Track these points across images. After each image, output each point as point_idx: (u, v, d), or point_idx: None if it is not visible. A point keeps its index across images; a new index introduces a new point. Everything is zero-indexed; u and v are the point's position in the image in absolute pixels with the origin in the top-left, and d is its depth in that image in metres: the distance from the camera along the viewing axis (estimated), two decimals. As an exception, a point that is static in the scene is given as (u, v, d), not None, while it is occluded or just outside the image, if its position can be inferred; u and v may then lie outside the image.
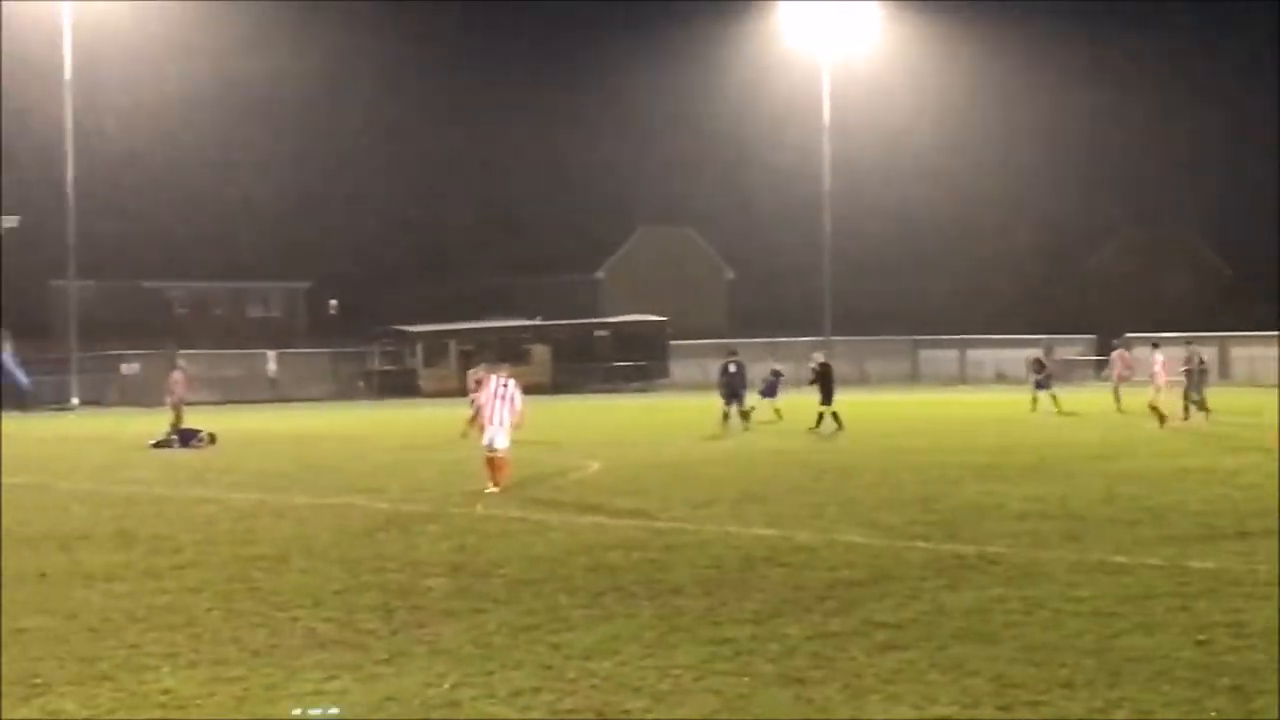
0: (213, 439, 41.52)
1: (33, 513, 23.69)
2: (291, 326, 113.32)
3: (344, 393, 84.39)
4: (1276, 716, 10.32)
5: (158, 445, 40.42)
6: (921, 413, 54.11)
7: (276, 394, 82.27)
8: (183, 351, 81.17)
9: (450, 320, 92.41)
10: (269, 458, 35.88)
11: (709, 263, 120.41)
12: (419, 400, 77.46)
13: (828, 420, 42.03)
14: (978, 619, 13.46)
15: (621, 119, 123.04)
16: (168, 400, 43.69)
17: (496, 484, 25.53)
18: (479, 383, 29.27)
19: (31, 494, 27.25)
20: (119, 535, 20.50)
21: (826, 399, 42.49)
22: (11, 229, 72.37)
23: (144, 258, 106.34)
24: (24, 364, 79.51)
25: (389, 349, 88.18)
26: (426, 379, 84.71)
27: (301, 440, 43.52)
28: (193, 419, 44.13)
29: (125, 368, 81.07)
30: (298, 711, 10.62)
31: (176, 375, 44.13)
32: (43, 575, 16.86)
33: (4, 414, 67.70)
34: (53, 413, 70.16)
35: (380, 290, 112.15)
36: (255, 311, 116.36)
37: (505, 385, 26.19)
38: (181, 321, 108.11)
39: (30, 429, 54.97)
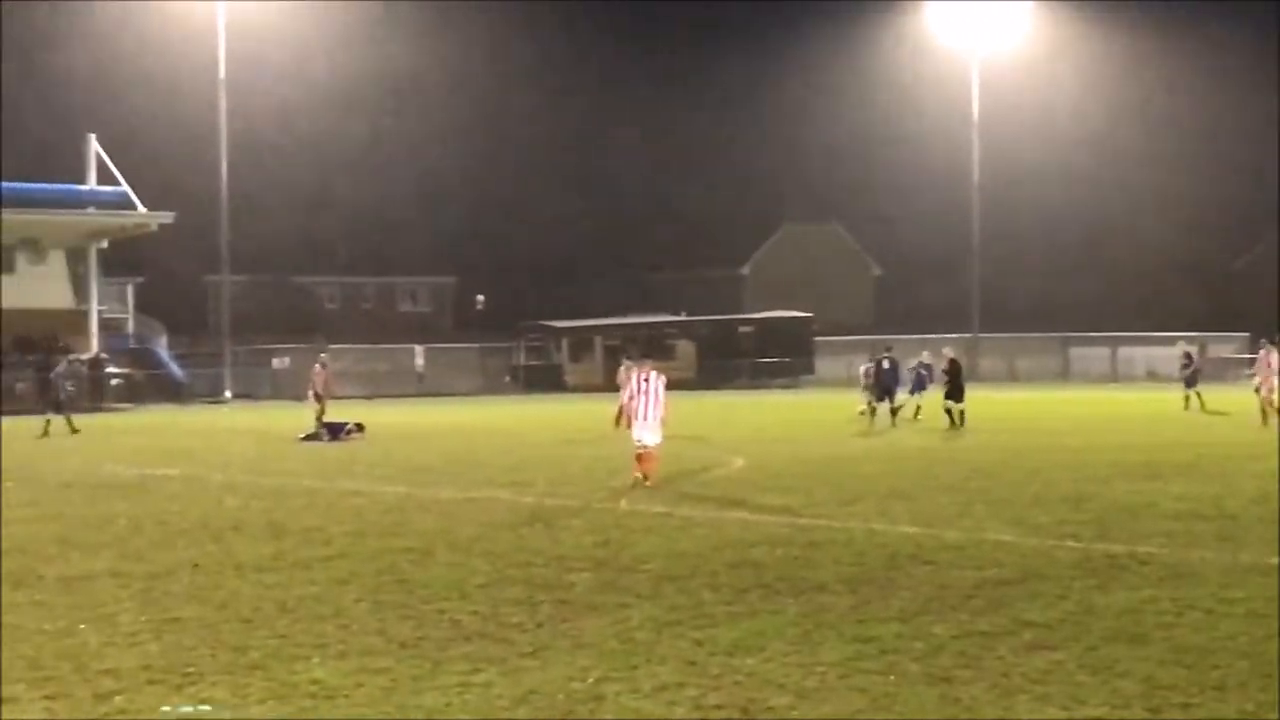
0: (360, 428, 41.98)
1: (186, 504, 24.12)
2: (439, 321, 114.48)
3: (490, 387, 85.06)
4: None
5: (307, 439, 40.95)
6: (1072, 410, 53.41)
7: (424, 388, 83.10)
8: (332, 346, 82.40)
9: (595, 316, 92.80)
10: (416, 451, 36.22)
11: (855, 259, 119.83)
12: (565, 395, 77.82)
13: (958, 416, 41.67)
14: (1128, 620, 13.27)
15: (768, 115, 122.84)
16: (309, 394, 44.26)
17: (646, 476, 25.61)
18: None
19: (185, 485, 27.75)
20: (270, 527, 20.81)
21: (957, 396, 42.12)
22: (166, 225, 73.69)
23: (295, 253, 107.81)
24: (178, 358, 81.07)
25: (535, 344, 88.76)
26: (572, 374, 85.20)
27: (448, 434, 43.88)
28: (342, 412, 44.63)
29: (276, 362, 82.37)
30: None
31: (317, 369, 44.68)
32: (195, 565, 17.15)
33: (159, 406, 68.96)
34: (206, 406, 71.35)
35: (526, 286, 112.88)
36: (404, 306, 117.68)
37: (646, 380, 26.24)
38: (331, 316, 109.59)
39: (184, 421, 55.95)
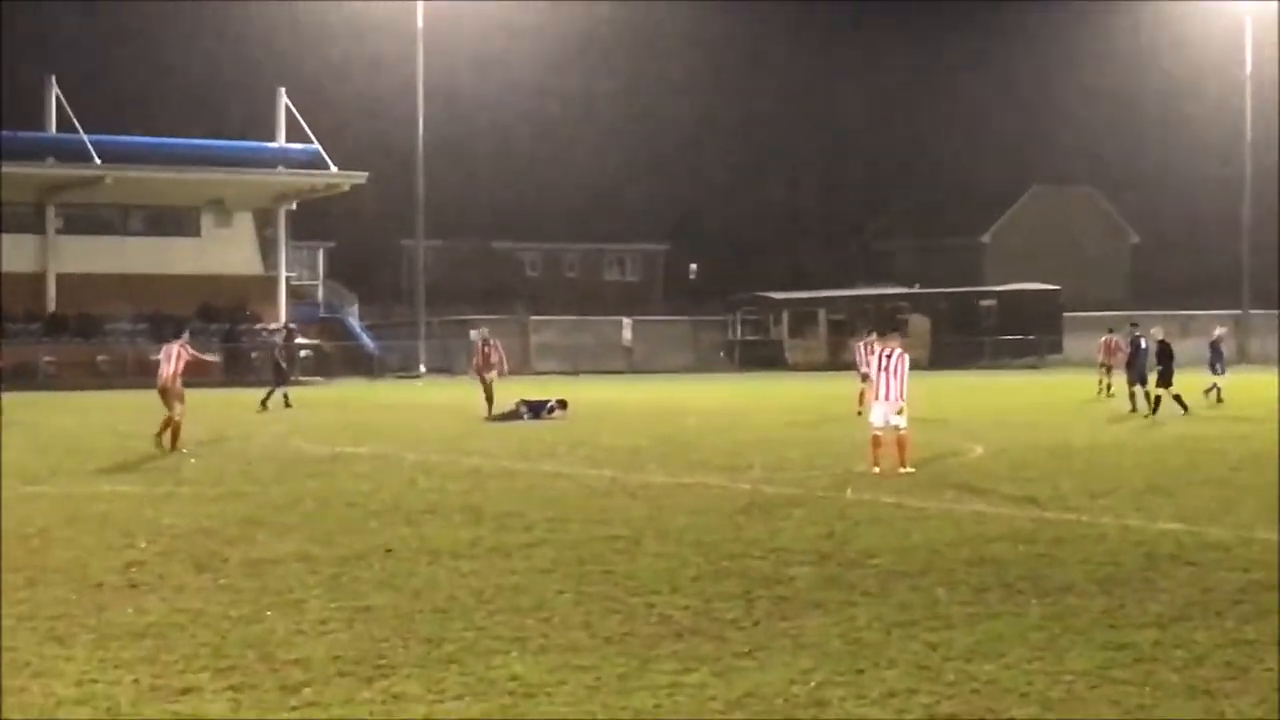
0: (563, 405, 42.22)
1: (378, 484, 24.56)
2: (648, 292, 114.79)
3: (703, 364, 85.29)
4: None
5: (504, 417, 41.29)
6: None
7: (632, 364, 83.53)
8: (534, 317, 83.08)
9: (819, 287, 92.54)
10: (623, 432, 36.45)
11: (1110, 225, 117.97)
12: (784, 373, 77.72)
13: (1165, 403, 40.98)
14: None
15: (1016, 68, 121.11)
16: (470, 371, 44.58)
17: (877, 463, 25.46)
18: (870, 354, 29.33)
19: (378, 465, 28.27)
20: (466, 510, 21.10)
21: (1166, 380, 41.47)
22: (359, 185, 75.03)
23: (495, 217, 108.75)
24: (370, 328, 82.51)
25: (752, 317, 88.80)
26: (793, 350, 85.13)
27: (658, 414, 44.09)
28: (545, 389, 45.01)
29: (475, 334, 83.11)
30: None
31: (478, 344, 45.02)
32: (388, 551, 17.44)
33: (349, 380, 70.23)
34: (399, 380, 72.47)
35: (744, 254, 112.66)
36: (610, 275, 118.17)
37: (888, 356, 26.09)
38: (533, 285, 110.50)
39: (376, 396, 56.96)
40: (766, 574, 15.81)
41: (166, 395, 31.83)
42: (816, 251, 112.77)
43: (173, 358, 31.92)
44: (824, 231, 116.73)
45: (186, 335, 33.49)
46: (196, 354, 32.96)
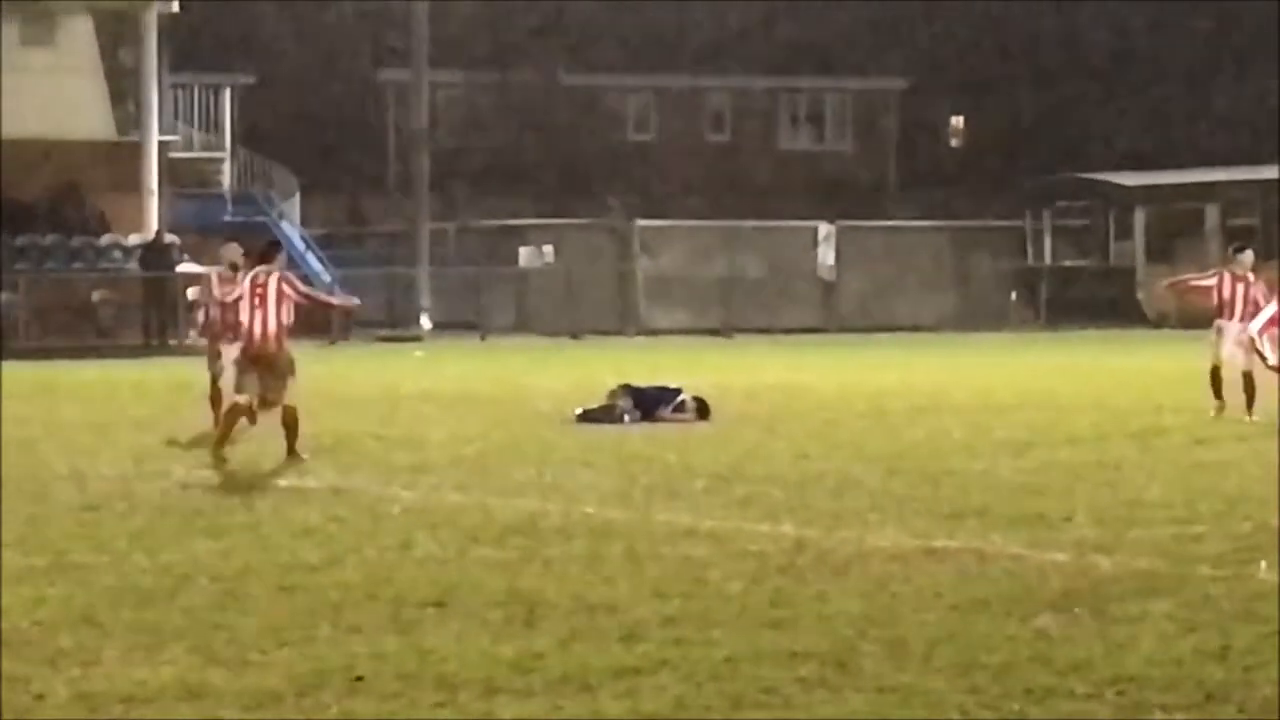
0: (702, 406, 42.35)
1: (341, 548, 24.70)
2: (865, 170, 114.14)
3: (977, 313, 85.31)
4: None
5: (594, 418, 41.48)
6: None
7: (836, 314, 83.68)
8: (645, 222, 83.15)
9: (1206, 162, 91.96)
10: (819, 450, 36.84)
11: None
12: (1139, 332, 77.41)
13: None
14: None
15: None
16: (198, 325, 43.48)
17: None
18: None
19: (340, 510, 28.43)
20: (510, 600, 20.96)
21: None
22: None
23: (567, 31, 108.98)
24: (321, 243, 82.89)
25: (1074, 222, 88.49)
26: (1152, 285, 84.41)
27: (887, 414, 44.55)
28: (663, 367, 45.03)
29: (527, 254, 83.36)
30: None
31: (215, 274, 43.02)
32: (358, 679, 17.24)
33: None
34: (383, 345, 72.89)
35: (1050, 101, 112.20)
36: (793, 140, 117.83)
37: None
38: (643, 158, 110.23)
39: (338, 376, 57.17)
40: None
41: (266, 366, 32.17)
42: (1195, 96, 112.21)
43: (270, 300, 31.91)
44: (1213, 61, 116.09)
45: (283, 259, 33.50)
46: (314, 294, 33.15)
